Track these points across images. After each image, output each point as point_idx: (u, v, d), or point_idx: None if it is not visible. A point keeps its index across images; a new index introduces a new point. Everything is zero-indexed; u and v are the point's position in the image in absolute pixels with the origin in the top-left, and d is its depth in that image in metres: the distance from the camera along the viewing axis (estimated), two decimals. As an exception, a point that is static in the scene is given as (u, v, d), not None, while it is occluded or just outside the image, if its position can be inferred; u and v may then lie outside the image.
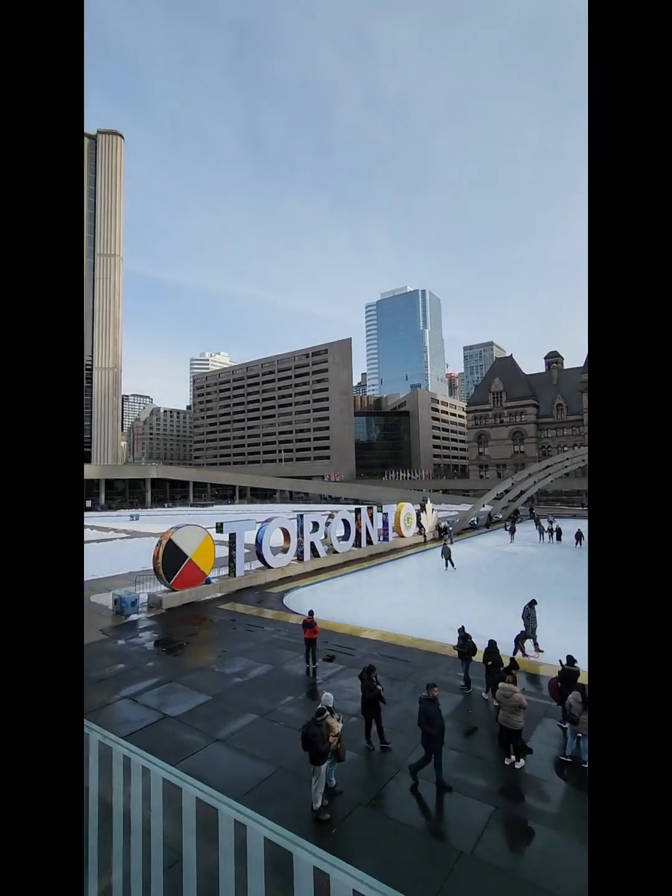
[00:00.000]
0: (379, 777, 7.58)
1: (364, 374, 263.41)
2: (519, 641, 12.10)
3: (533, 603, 13.29)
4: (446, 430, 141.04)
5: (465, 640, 10.88)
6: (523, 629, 12.69)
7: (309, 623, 11.98)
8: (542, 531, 35.15)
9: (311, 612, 12.53)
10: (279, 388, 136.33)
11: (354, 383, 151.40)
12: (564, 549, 31.15)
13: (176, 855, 1.98)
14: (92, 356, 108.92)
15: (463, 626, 11.41)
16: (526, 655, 12.34)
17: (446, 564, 24.94)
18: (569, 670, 8.95)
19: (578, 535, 32.25)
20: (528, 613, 13.04)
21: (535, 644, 13.06)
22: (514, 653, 11.76)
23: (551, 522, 37.18)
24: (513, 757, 7.84)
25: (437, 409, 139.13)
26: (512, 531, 35.71)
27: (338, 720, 7.26)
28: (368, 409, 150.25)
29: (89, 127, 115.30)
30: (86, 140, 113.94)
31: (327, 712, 7.06)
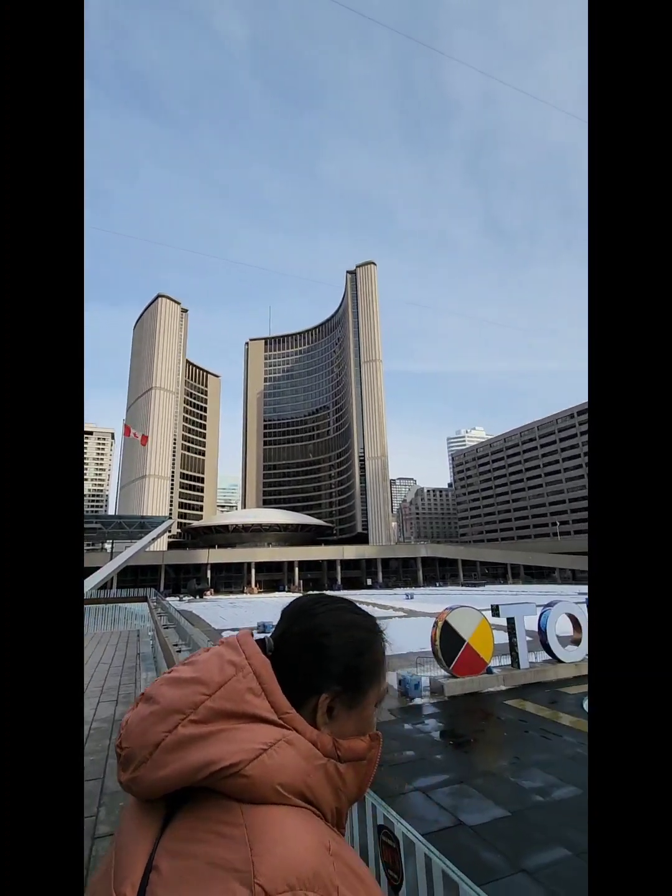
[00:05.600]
0: None
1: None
2: None
3: None
4: None
5: None
6: None
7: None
8: None
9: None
10: (543, 456, 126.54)
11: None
12: None
13: None
14: (363, 449, 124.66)
15: None
16: None
17: None
18: None
19: None
20: None
21: None
22: None
23: None
24: None
25: None
26: None
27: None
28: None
29: (349, 263, 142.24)
30: (346, 275, 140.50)
31: None
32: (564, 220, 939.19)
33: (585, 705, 16.42)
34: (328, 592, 0.99)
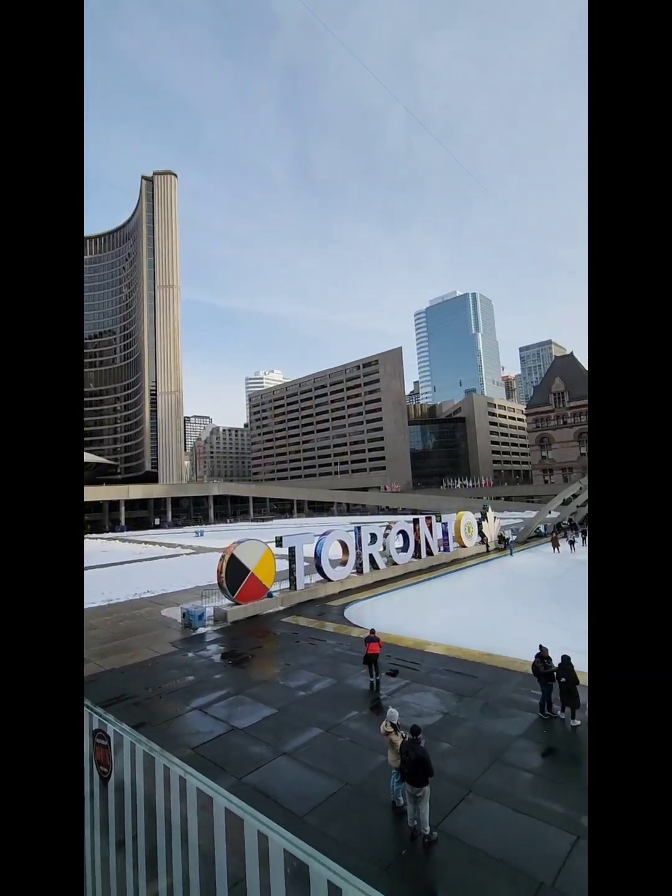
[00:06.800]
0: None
1: (416, 383, 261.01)
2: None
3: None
4: (505, 434, 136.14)
5: (545, 662, 10.09)
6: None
7: (372, 638, 11.87)
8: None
9: (372, 631, 12.40)
10: (332, 402, 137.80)
11: (407, 392, 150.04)
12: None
13: (233, 879, 2.06)
14: (155, 382, 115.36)
15: (543, 648, 10.32)
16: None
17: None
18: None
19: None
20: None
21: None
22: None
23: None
24: None
25: (494, 414, 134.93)
26: (572, 541, 33.47)
27: (401, 737, 7.11)
28: (423, 418, 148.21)
29: (146, 169, 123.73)
30: (142, 181, 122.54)
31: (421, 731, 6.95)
32: (364, 178, 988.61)
33: (346, 613, 19.60)
34: None
